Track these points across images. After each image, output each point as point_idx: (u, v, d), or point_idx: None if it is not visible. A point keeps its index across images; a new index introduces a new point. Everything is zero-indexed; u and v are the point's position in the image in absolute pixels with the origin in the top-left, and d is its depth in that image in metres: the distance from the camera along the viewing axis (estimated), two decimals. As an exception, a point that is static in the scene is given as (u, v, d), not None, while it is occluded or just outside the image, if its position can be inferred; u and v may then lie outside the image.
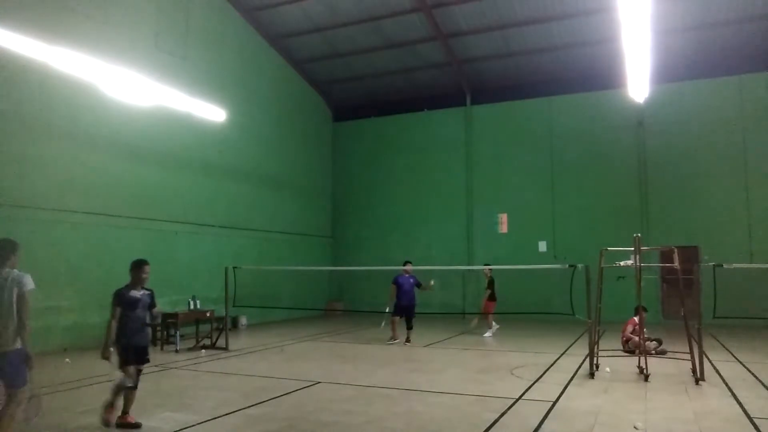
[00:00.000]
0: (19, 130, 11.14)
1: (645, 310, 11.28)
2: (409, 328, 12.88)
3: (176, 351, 11.50)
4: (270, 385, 8.23)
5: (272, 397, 7.39)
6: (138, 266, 6.41)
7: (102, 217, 12.64)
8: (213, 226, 15.86)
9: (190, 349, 11.74)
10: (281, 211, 18.95)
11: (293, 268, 17.37)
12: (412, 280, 13.09)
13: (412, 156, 20.65)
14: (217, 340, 12.32)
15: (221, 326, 12.41)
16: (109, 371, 6.78)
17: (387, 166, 21.01)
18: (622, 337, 10.94)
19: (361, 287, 19.68)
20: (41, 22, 11.13)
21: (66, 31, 11.66)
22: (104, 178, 12.77)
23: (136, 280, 6.38)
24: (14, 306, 4.97)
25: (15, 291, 5.01)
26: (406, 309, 12.88)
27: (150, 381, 8.40)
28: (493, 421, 6.19)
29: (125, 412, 6.18)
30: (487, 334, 13.83)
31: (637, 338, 10.12)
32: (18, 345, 4.92)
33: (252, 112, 17.73)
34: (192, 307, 12.88)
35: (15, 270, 5.14)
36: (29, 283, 5.08)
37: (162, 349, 11.89)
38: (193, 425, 6.12)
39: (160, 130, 14.17)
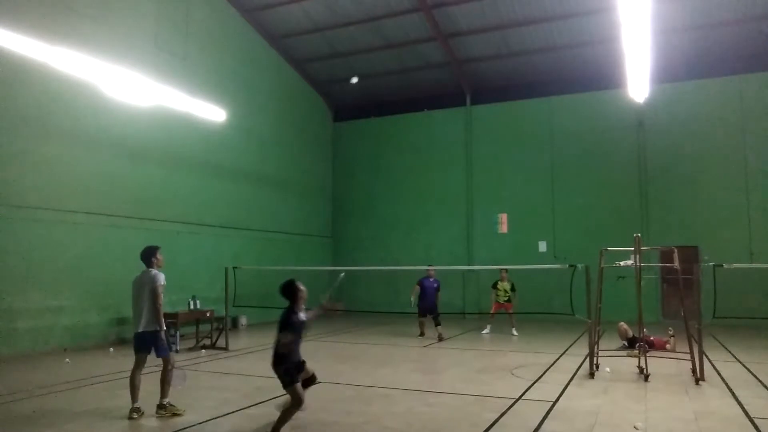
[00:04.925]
0: (19, 130, 11.13)
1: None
2: (437, 324, 13.54)
3: (176, 351, 11.45)
4: (270, 385, 8.20)
5: (272, 397, 7.37)
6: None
7: (102, 217, 12.64)
8: (213, 226, 15.85)
9: (190, 349, 11.74)
10: (281, 211, 18.94)
11: (293, 268, 17.33)
12: (436, 285, 13.92)
13: (412, 156, 20.64)
14: (217, 340, 12.33)
15: (221, 326, 12.41)
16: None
17: (387, 166, 21.01)
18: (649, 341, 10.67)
19: (360, 287, 19.68)
20: (41, 22, 11.13)
21: (66, 31, 11.66)
22: (104, 178, 12.77)
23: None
24: (149, 298, 6.56)
25: (149, 287, 6.60)
26: (427, 309, 13.74)
27: (150, 381, 8.38)
28: (493, 421, 6.18)
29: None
30: (515, 333, 14.04)
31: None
32: (155, 327, 6.53)
33: (252, 112, 17.72)
34: (192, 307, 12.88)
35: (154, 270, 6.76)
36: (160, 280, 6.65)
37: (162, 349, 11.89)
38: (193, 425, 6.12)
39: (160, 130, 14.16)
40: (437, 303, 13.79)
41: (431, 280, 13.91)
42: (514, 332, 14.01)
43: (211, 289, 14.11)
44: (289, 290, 5.79)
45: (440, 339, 13.19)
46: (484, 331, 14.43)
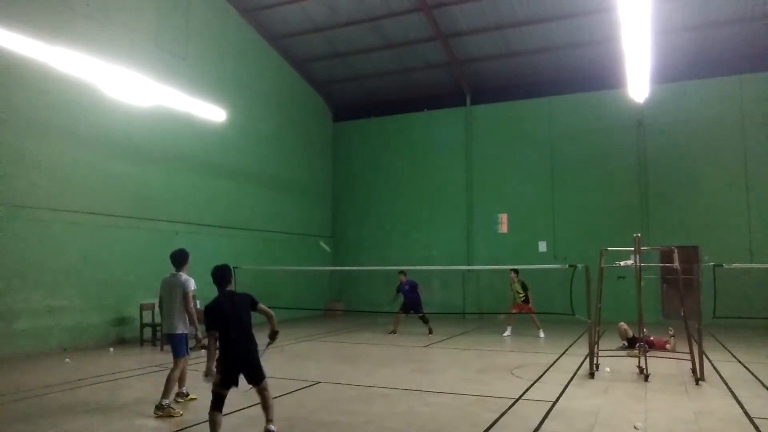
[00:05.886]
0: (19, 130, 11.13)
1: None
2: (425, 322, 14.44)
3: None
4: (270, 384, 8.22)
5: (272, 397, 7.38)
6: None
7: (102, 217, 12.63)
8: (213, 226, 15.85)
9: (190, 349, 11.70)
10: (281, 211, 18.94)
11: (293, 268, 17.36)
12: (408, 287, 14.74)
13: (412, 156, 20.65)
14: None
15: (221, 326, 12.38)
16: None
17: (387, 166, 21.01)
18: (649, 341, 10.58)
19: (361, 287, 19.69)
20: (41, 22, 11.13)
21: (66, 31, 11.66)
22: (104, 178, 12.77)
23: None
24: (179, 302, 6.80)
25: (180, 291, 6.81)
26: (410, 307, 14.53)
27: (150, 381, 8.40)
28: (493, 421, 6.19)
29: None
30: (542, 335, 13.61)
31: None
32: (180, 330, 6.85)
33: (252, 112, 17.72)
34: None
35: (183, 274, 6.91)
36: (191, 285, 6.86)
37: (162, 349, 11.87)
38: (193, 425, 6.12)
39: (160, 130, 14.16)
40: (420, 301, 14.59)
41: (403, 282, 14.70)
42: (541, 334, 13.57)
43: (212, 289, 14.06)
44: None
45: (429, 332, 14.17)
46: (504, 333, 14.01)
